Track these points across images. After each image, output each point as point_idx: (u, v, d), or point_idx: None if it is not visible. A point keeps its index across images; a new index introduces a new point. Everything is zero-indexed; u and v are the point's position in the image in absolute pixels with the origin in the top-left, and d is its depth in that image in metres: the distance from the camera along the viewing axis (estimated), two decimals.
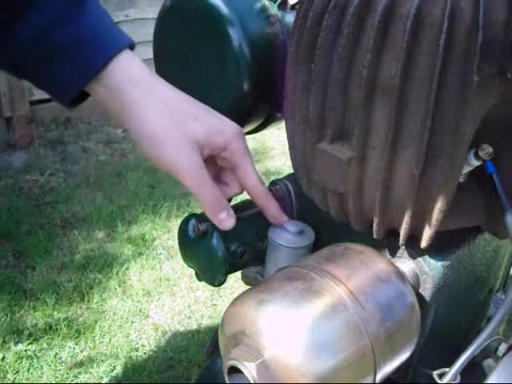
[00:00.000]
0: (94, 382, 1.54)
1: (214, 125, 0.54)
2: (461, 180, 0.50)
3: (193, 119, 0.53)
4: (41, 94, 2.91)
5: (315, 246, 0.60)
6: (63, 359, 1.59)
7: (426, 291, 0.53)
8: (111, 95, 0.51)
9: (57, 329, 1.69)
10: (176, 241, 0.65)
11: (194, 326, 1.76)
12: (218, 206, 0.54)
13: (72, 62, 0.49)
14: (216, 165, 0.58)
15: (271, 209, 0.59)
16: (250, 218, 0.64)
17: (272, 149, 3.12)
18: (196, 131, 0.52)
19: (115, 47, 0.50)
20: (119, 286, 1.90)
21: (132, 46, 0.52)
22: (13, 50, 0.48)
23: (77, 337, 1.68)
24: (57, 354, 1.61)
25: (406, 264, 0.53)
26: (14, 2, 0.47)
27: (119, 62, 0.50)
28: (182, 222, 0.63)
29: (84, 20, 0.49)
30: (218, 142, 0.54)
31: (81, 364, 1.58)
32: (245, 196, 0.61)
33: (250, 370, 0.42)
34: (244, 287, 0.65)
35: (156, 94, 0.52)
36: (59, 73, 0.50)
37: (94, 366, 1.58)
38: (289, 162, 0.59)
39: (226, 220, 0.55)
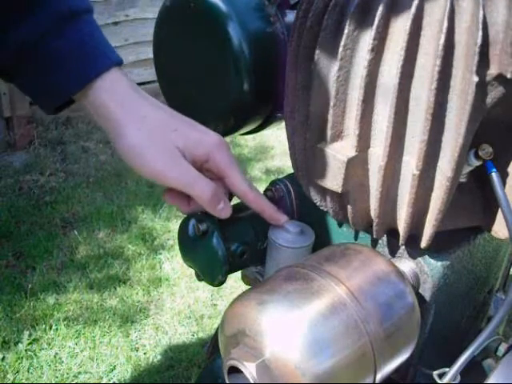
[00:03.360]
0: (93, 381, 1.54)
1: (193, 136, 0.55)
2: (461, 180, 0.50)
3: (172, 131, 0.54)
4: None
5: (315, 246, 0.60)
6: (63, 359, 1.59)
7: (426, 291, 0.53)
8: (95, 111, 0.53)
9: (57, 329, 1.69)
10: (176, 241, 0.65)
11: (194, 326, 1.76)
12: (215, 198, 0.55)
13: (58, 75, 0.51)
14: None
15: (267, 211, 0.59)
16: (250, 218, 0.64)
17: (272, 148, 3.12)
18: (175, 141, 0.54)
19: (101, 65, 0.52)
20: (119, 286, 1.90)
21: (120, 63, 0.54)
22: (2, 56, 0.49)
23: (77, 337, 1.68)
24: (57, 353, 1.61)
25: (406, 264, 0.53)
26: (9, 12, 0.48)
27: (104, 81, 0.52)
28: (182, 222, 0.63)
29: (75, 35, 0.50)
30: (199, 154, 0.55)
31: (81, 364, 1.58)
32: None
33: (250, 369, 0.42)
34: (244, 287, 0.65)
35: (137, 111, 0.53)
36: (45, 84, 0.52)
37: (94, 366, 1.58)
38: (289, 162, 0.59)
39: (225, 209, 0.57)
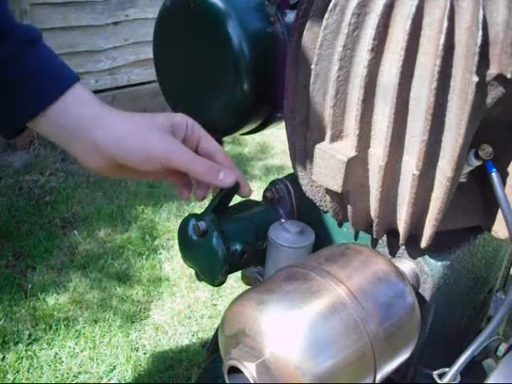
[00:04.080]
0: (93, 381, 1.54)
1: (169, 114, 0.57)
2: (461, 180, 0.50)
3: (150, 118, 0.55)
4: None
5: (315, 246, 0.60)
6: (63, 359, 1.59)
7: (426, 291, 0.53)
8: (64, 123, 0.53)
9: (57, 329, 1.69)
10: (176, 241, 0.65)
11: (194, 326, 1.76)
12: (213, 169, 0.56)
13: (18, 99, 0.51)
14: None
15: (237, 171, 0.59)
16: (250, 218, 0.64)
17: (272, 148, 3.12)
18: (162, 122, 0.55)
19: (65, 83, 0.53)
20: (119, 285, 1.90)
21: (78, 80, 0.55)
22: None
23: (77, 337, 1.68)
24: (57, 353, 1.61)
25: (406, 264, 0.53)
26: None
27: (72, 94, 0.52)
28: (182, 221, 0.63)
29: (35, 61, 0.52)
30: (181, 123, 0.57)
31: (81, 364, 1.58)
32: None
33: (250, 369, 0.42)
34: (244, 287, 0.65)
35: (114, 110, 0.55)
36: (3, 110, 0.52)
37: (94, 366, 1.58)
38: (289, 162, 0.59)
39: (227, 177, 0.56)
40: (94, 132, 0.52)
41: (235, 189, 0.59)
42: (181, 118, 0.57)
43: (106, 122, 0.53)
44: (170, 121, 0.56)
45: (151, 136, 0.53)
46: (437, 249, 0.52)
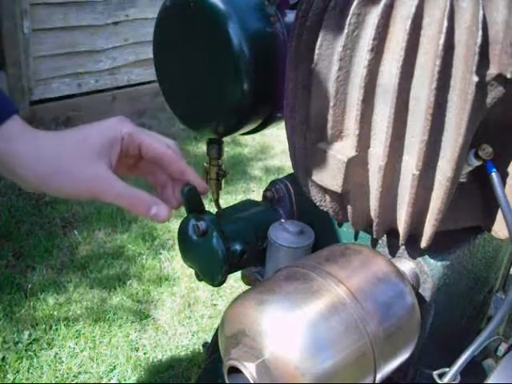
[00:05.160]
0: (93, 382, 1.54)
1: (102, 129, 0.54)
2: (461, 180, 0.50)
3: (82, 140, 0.53)
4: (41, 94, 2.91)
5: (315, 246, 0.60)
6: (63, 359, 1.59)
7: (426, 291, 0.53)
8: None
9: (57, 329, 1.69)
10: (176, 241, 0.65)
11: (194, 326, 1.76)
12: (144, 203, 0.53)
13: None
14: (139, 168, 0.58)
15: (188, 172, 0.56)
16: (250, 218, 0.64)
17: (272, 148, 3.12)
18: (93, 144, 0.52)
19: (4, 114, 0.51)
20: (119, 286, 1.90)
21: (17, 111, 0.53)
22: None
23: (77, 337, 1.68)
24: (57, 353, 1.61)
25: (406, 264, 0.53)
26: None
27: (8, 125, 0.51)
28: (182, 221, 0.63)
29: None
30: (116, 138, 0.53)
31: (81, 364, 1.58)
32: (245, 196, 0.61)
33: (249, 370, 0.42)
34: (244, 287, 0.65)
35: (39, 144, 0.52)
36: None
37: (94, 366, 1.58)
38: (289, 162, 0.59)
39: (160, 212, 0.53)
40: (20, 170, 0.51)
41: (195, 190, 0.56)
42: (114, 132, 0.54)
43: (30, 161, 0.51)
44: (103, 138, 0.53)
45: (76, 173, 0.51)
46: (437, 249, 0.52)
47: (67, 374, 1.56)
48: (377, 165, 0.48)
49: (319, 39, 0.48)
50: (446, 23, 0.41)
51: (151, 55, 0.74)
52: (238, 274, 0.70)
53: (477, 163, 0.48)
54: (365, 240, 0.58)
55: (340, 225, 0.61)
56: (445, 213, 0.48)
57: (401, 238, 0.51)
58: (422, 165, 0.45)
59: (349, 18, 0.45)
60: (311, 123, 0.51)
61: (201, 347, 1.60)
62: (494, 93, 0.42)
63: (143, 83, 3.25)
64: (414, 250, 0.53)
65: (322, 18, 0.48)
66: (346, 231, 0.60)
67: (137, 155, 0.55)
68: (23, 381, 1.51)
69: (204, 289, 1.91)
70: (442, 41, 0.41)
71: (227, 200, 2.25)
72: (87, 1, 2.89)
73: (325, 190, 0.54)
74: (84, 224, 2.26)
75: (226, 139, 0.75)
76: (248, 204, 0.67)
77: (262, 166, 2.90)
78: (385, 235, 0.55)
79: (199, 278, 0.65)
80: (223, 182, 0.77)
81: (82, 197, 0.52)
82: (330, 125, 0.49)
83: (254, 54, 0.62)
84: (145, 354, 1.65)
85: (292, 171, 0.61)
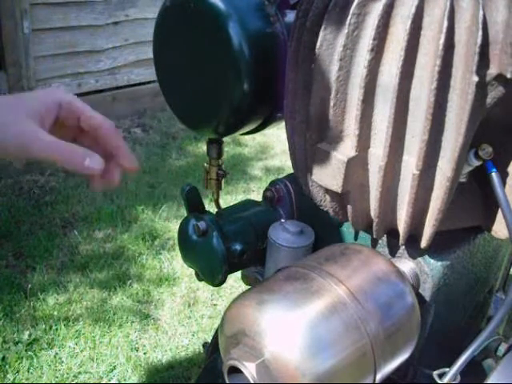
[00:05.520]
0: (93, 381, 1.54)
1: (39, 94, 0.54)
2: (461, 180, 0.50)
3: (16, 104, 0.52)
4: None
5: (315, 246, 0.60)
6: (63, 359, 1.59)
7: (426, 291, 0.53)
8: None
9: (57, 329, 1.69)
10: (176, 241, 0.65)
11: (194, 326, 1.76)
12: (77, 154, 0.51)
13: None
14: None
15: (123, 148, 0.54)
16: (250, 218, 0.64)
17: (272, 148, 3.12)
18: (25, 107, 0.52)
19: None
20: (119, 286, 1.90)
21: None
22: None
23: (77, 337, 1.68)
24: (57, 354, 1.61)
25: (406, 264, 0.53)
26: None
27: None
28: (182, 221, 0.63)
29: None
30: (52, 103, 0.53)
31: (81, 364, 1.58)
32: (245, 196, 0.61)
33: (249, 369, 0.42)
34: (244, 287, 0.65)
35: None
36: None
37: (94, 366, 1.58)
38: (289, 162, 0.59)
39: (93, 163, 0.51)
40: None
41: (195, 189, 0.55)
42: (52, 98, 0.53)
43: None
44: (39, 102, 0.52)
45: (3, 129, 0.50)
46: (437, 249, 0.52)
47: (67, 374, 1.56)
48: (377, 165, 0.48)
49: (319, 39, 0.48)
50: (446, 23, 0.41)
51: (151, 55, 0.74)
52: (238, 274, 0.70)
53: (477, 163, 0.48)
54: (365, 240, 0.58)
55: (340, 225, 0.61)
56: (445, 213, 0.48)
57: (401, 238, 0.51)
58: (422, 165, 0.45)
59: (349, 18, 0.45)
60: (311, 123, 0.51)
61: (201, 347, 1.60)
62: (494, 93, 0.42)
63: (143, 83, 3.26)
64: (414, 250, 0.53)
65: (322, 18, 0.48)
66: (346, 231, 0.60)
67: (75, 127, 0.54)
68: (23, 381, 1.51)
69: (204, 289, 1.91)
70: (442, 41, 0.41)
71: (227, 200, 2.25)
72: (87, 1, 2.89)
73: (325, 190, 0.54)
74: (84, 224, 2.26)
75: (226, 139, 0.75)
76: (248, 204, 0.67)
77: (262, 166, 2.90)
78: (385, 235, 0.55)
79: (199, 278, 0.65)
80: (223, 181, 0.78)
81: (12, 153, 0.51)
82: (330, 125, 0.49)
83: (254, 54, 0.62)
84: (145, 354, 1.65)
85: (292, 171, 0.61)
